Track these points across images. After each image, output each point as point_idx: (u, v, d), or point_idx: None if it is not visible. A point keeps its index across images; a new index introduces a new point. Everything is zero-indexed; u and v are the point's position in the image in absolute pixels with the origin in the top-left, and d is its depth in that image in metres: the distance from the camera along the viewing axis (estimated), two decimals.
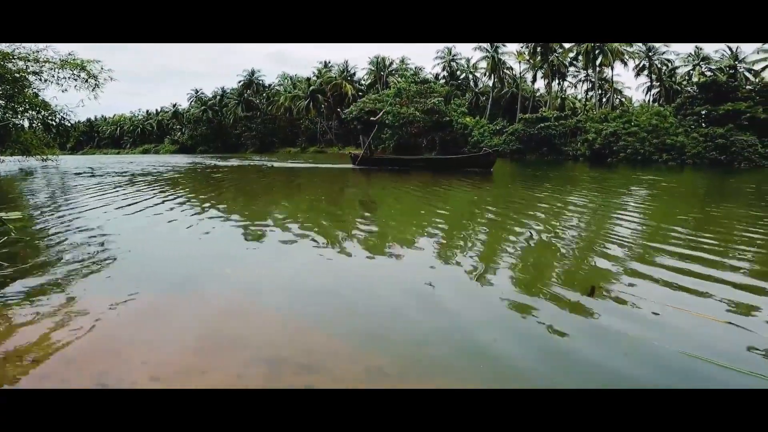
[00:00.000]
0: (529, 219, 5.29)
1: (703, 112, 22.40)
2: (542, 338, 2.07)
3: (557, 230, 4.62)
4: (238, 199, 8.04)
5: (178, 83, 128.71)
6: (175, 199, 7.31)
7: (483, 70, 40.91)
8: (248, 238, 4.39)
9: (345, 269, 3.31)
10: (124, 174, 13.96)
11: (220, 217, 5.51)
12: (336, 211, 6.48)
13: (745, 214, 5.92)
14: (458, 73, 45.37)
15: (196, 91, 61.30)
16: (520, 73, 38.21)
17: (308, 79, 50.55)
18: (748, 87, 24.60)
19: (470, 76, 45.16)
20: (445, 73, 45.42)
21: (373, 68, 48.64)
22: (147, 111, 72.50)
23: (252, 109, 55.17)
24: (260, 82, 56.33)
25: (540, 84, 39.42)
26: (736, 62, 31.50)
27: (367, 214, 6.25)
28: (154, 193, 8.12)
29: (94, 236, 4.21)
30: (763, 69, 30.51)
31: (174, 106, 66.43)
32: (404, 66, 48.42)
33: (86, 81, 13.49)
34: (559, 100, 38.50)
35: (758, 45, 28.96)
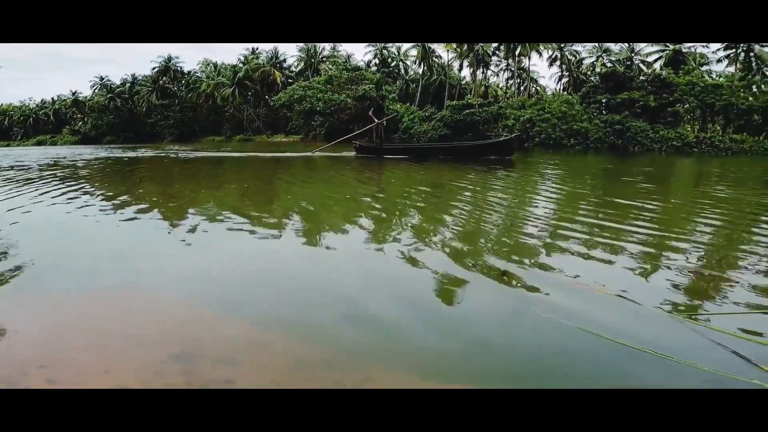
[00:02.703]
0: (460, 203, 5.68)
1: (604, 101, 24.87)
2: (461, 320, 2.16)
3: (482, 213, 5.00)
4: (153, 190, 7.60)
5: (78, 70, 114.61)
6: (75, 192, 6.83)
7: (413, 59, 41.82)
8: (164, 231, 4.19)
9: (272, 259, 3.28)
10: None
11: (131, 210, 5.18)
12: (266, 201, 6.26)
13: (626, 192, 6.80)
14: (389, 60, 45.80)
15: (101, 78, 55.64)
16: (448, 62, 39.51)
17: (234, 66, 48.13)
18: (641, 78, 27.55)
19: (401, 64, 45.83)
20: (376, 60, 45.63)
21: (303, 55, 47.48)
22: (42, 99, 64.85)
23: (169, 96, 51.11)
24: (178, 68, 52.33)
25: (466, 72, 41.15)
26: (633, 54, 35.14)
27: (287, 199, 6.12)
28: (51, 187, 7.50)
29: None
30: (655, 61, 34.38)
31: (74, 93, 59.91)
32: (336, 53, 47.92)
33: None
34: (483, 87, 40.44)
35: None
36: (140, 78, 54.17)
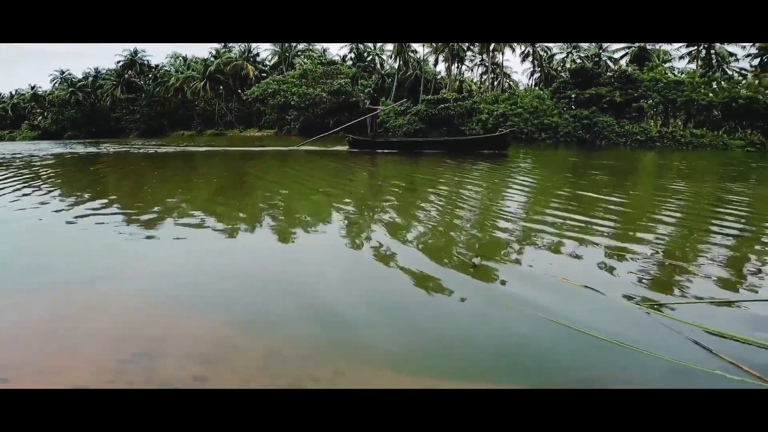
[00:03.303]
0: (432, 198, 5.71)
1: (573, 96, 25.53)
2: (433, 315, 2.19)
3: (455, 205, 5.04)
4: (113, 187, 7.30)
5: (37, 64, 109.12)
6: (26, 189, 6.49)
7: (389, 53, 41.79)
8: (125, 228, 4.01)
9: (241, 256, 3.23)
10: None
11: (89, 207, 4.97)
12: (236, 193, 6.08)
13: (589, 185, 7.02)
14: (365, 54, 45.54)
15: (62, 72, 53.37)
16: (423, 56, 39.66)
17: (205, 59, 46.80)
18: (608, 74, 28.40)
19: (377, 59, 45.65)
20: (352, 54, 45.29)
21: (277, 49, 46.64)
22: (0, 94, 62.28)
23: (135, 90, 49.22)
24: (145, 62, 50.50)
25: (441, 67, 41.42)
26: (601, 51, 36.17)
27: (255, 192, 5.97)
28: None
29: None
30: (621, 57, 35.53)
31: (33, 88, 57.55)
32: (311, 47, 47.25)
33: None
34: (457, 82, 40.79)
35: None
36: (104, 72, 52.15)
